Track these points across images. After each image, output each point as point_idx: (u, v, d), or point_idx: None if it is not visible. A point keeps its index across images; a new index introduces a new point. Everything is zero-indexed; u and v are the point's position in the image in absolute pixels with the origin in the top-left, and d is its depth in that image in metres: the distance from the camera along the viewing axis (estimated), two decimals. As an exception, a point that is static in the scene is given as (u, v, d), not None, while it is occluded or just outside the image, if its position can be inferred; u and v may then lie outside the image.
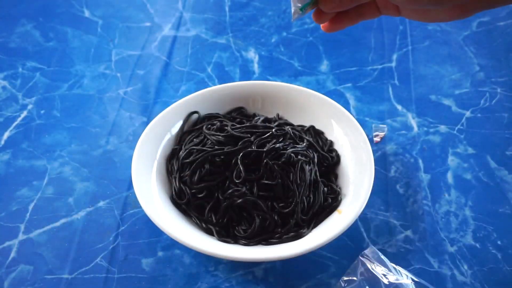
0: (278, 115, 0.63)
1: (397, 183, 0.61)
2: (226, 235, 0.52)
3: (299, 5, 0.41)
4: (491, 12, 0.86)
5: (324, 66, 0.77)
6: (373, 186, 0.52)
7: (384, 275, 0.50)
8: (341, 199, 0.54)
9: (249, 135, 0.55)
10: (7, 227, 0.57)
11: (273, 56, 0.79)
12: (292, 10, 0.42)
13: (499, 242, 0.56)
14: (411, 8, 0.39)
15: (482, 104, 0.71)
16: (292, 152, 0.53)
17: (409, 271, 0.52)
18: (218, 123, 0.58)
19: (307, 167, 0.53)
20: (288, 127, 0.58)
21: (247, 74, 0.76)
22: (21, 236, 0.56)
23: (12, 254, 0.55)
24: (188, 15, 0.87)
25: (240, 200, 0.51)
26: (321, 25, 0.43)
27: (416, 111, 0.70)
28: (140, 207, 0.57)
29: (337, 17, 0.43)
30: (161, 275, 0.53)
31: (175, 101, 0.61)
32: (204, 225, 0.52)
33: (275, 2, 0.89)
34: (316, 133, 0.61)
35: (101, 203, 0.60)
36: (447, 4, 0.36)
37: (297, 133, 0.58)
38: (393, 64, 0.77)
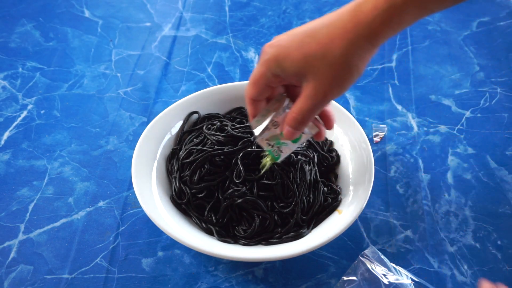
0: (278, 115, 0.63)
1: (397, 183, 0.61)
2: (226, 235, 0.52)
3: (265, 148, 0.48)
4: (491, 12, 0.86)
5: (324, 66, 0.77)
6: (373, 186, 0.52)
7: (384, 275, 0.50)
8: (341, 199, 0.54)
9: (249, 135, 0.55)
10: (7, 227, 0.57)
11: (273, 56, 0.79)
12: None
13: (499, 242, 0.56)
14: None
15: (482, 104, 0.71)
16: (292, 152, 0.53)
17: (409, 271, 0.52)
18: (218, 123, 0.58)
19: (307, 167, 0.53)
20: (288, 127, 0.58)
21: (247, 74, 0.76)
22: (21, 236, 0.56)
23: (12, 254, 0.55)
24: (188, 15, 0.87)
25: (240, 200, 0.51)
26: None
27: (416, 111, 0.70)
28: (140, 207, 0.58)
29: None
30: (161, 275, 0.53)
31: (175, 101, 0.61)
32: (204, 225, 0.52)
33: (275, 2, 0.89)
34: (316, 133, 0.61)
35: (101, 203, 0.60)
36: None
37: (297, 133, 0.58)
38: (393, 64, 0.77)
